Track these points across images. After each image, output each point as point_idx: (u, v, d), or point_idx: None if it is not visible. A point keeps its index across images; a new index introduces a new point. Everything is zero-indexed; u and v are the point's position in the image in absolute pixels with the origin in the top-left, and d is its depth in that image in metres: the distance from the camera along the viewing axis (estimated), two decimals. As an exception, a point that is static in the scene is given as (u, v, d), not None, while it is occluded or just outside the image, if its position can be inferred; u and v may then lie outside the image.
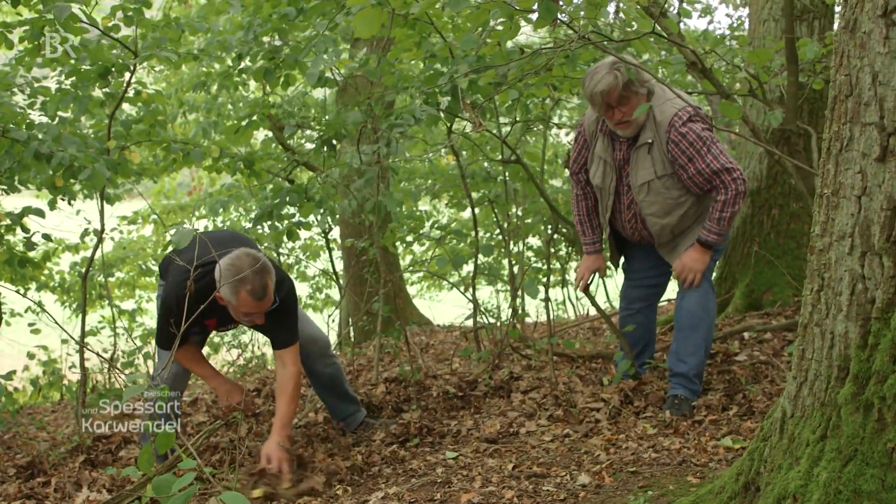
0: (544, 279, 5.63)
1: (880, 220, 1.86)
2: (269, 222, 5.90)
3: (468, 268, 7.29)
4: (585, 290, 4.45)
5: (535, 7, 3.27)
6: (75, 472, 4.10)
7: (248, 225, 7.86)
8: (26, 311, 8.15)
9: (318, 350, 4.28)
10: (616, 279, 9.43)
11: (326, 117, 5.73)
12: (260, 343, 8.78)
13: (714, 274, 6.03)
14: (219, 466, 3.91)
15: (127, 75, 5.11)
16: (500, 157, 5.68)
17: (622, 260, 4.43)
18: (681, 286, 4.06)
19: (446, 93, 4.60)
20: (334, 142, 5.96)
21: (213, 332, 4.58)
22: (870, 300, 1.89)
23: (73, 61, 5.06)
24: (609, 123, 3.91)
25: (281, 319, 3.84)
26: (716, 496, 2.36)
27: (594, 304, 4.79)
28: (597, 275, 4.40)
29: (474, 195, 6.36)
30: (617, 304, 9.03)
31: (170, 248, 3.97)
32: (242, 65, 5.93)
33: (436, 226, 6.74)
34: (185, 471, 2.66)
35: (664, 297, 4.56)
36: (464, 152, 7.07)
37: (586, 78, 3.84)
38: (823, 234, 2.03)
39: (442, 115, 4.82)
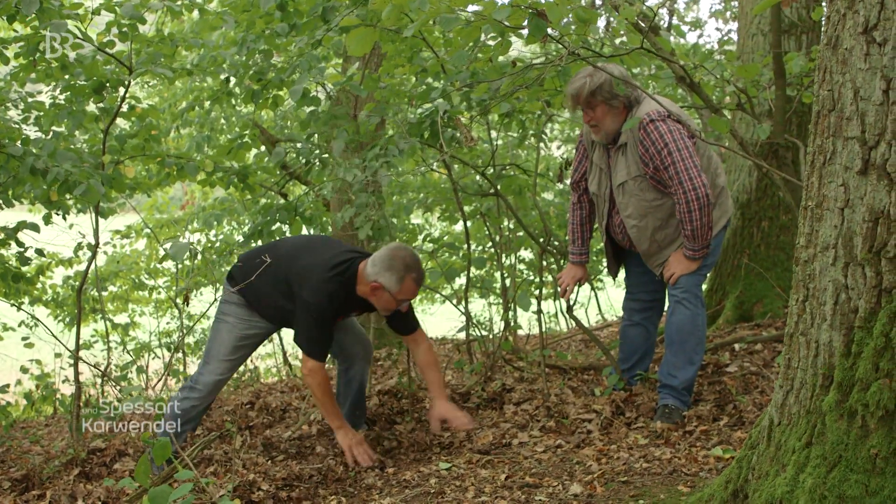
0: (536, 291, 5.66)
1: (863, 232, 1.90)
2: (259, 241, 5.94)
3: (461, 280, 7.33)
4: (568, 300, 4.53)
5: (526, 24, 3.32)
6: (70, 486, 4.10)
7: (241, 239, 7.89)
8: (20, 326, 8.15)
9: (365, 354, 4.43)
10: (608, 292, 9.52)
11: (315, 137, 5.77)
12: (253, 357, 8.79)
13: (704, 286, 6.08)
14: (213, 478, 3.92)
15: (121, 90, 5.15)
16: (491, 169, 5.72)
17: (622, 273, 4.48)
18: (669, 290, 4.10)
19: (426, 127, 4.70)
20: (324, 156, 6.01)
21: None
22: (853, 309, 1.93)
23: (67, 77, 5.10)
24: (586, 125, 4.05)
25: (411, 307, 4.20)
26: (705, 504, 2.40)
27: (579, 324, 4.84)
28: (579, 286, 4.47)
29: (466, 208, 6.41)
30: (608, 316, 9.13)
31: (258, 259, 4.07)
32: (231, 85, 5.99)
33: (428, 239, 6.78)
34: (182, 481, 2.69)
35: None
36: (455, 166, 7.12)
37: (571, 79, 4.02)
38: (808, 245, 2.07)
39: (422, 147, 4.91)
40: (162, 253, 9.66)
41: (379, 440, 4.30)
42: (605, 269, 4.52)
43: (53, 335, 3.78)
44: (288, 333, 5.02)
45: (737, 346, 4.98)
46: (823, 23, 2.09)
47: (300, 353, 4.06)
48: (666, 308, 4.32)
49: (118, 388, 4.58)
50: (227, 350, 4.17)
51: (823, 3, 5.65)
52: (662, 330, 4.88)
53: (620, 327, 4.50)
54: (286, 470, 3.89)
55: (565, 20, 3.62)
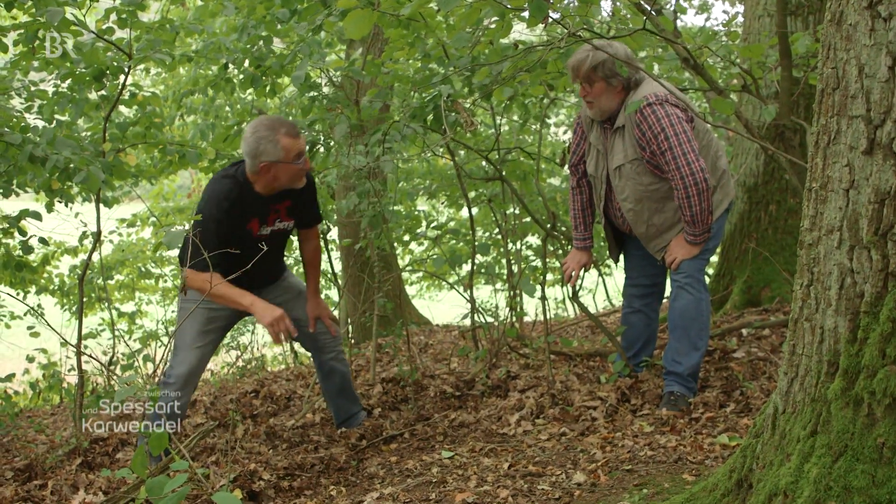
0: (541, 277, 5.61)
1: (868, 214, 1.84)
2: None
3: (466, 267, 7.27)
4: (573, 286, 4.49)
5: (527, 5, 3.26)
6: (72, 475, 4.09)
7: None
8: (25, 315, 8.15)
9: (333, 342, 4.30)
10: (615, 277, 9.46)
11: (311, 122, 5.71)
12: (259, 345, 8.78)
13: (711, 271, 6.02)
14: (215, 468, 3.90)
15: (122, 77, 5.11)
16: (496, 156, 5.66)
17: (622, 259, 4.42)
18: (671, 276, 4.05)
19: (429, 112, 4.64)
20: (327, 144, 5.95)
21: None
22: (859, 294, 1.87)
23: (69, 64, 5.06)
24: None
25: (310, 194, 4.08)
26: (709, 493, 2.35)
27: (584, 310, 4.79)
28: (584, 271, 4.42)
29: (472, 194, 6.35)
30: (615, 302, 9.06)
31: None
32: (230, 73, 5.94)
33: (433, 225, 6.74)
34: (178, 472, 2.66)
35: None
36: (461, 152, 7.06)
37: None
38: (812, 228, 2.01)
39: (425, 132, 4.85)
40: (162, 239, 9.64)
41: (381, 428, 4.27)
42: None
43: (53, 329, 3.73)
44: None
45: (744, 331, 4.93)
46: (829, -1, 2.03)
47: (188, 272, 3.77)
48: (668, 294, 4.27)
49: (120, 378, 4.55)
50: (192, 337, 3.98)
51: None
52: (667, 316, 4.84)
53: (622, 315, 4.46)
54: (288, 459, 3.87)
55: (567, 1, 3.56)
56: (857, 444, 1.82)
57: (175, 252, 7.80)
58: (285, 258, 4.57)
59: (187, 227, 3.39)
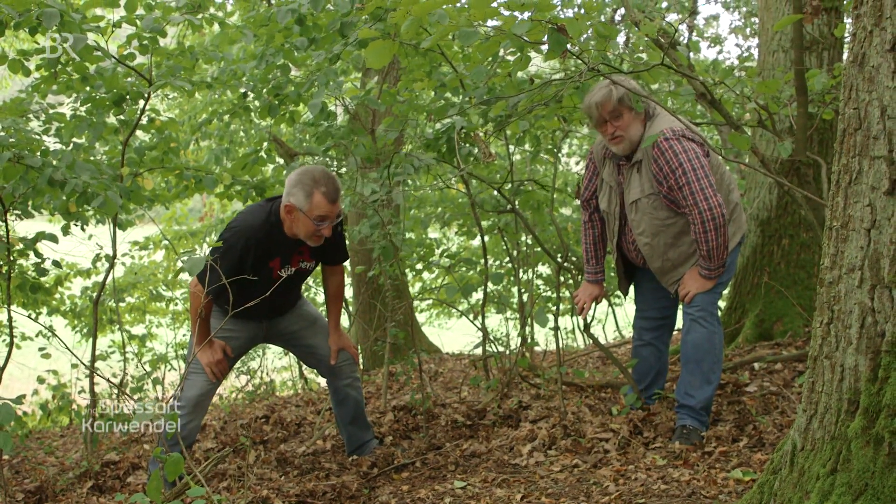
0: (554, 308, 5.62)
1: (890, 254, 1.86)
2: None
3: (478, 296, 7.27)
4: (585, 318, 4.49)
5: (545, 39, 3.30)
6: (83, 499, 4.09)
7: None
8: (37, 336, 8.18)
9: (349, 369, 4.29)
10: (625, 308, 9.45)
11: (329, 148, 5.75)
12: (269, 369, 8.79)
13: (723, 304, 6.02)
14: (227, 494, 3.90)
15: (141, 103, 5.16)
16: (508, 185, 5.69)
17: (632, 291, 4.43)
18: (684, 309, 4.06)
19: (443, 143, 4.68)
20: (342, 170, 5.99)
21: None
22: (879, 333, 1.88)
23: (88, 88, 5.12)
24: (605, 140, 3.98)
25: (339, 236, 4.04)
26: (725, 529, 2.35)
27: (596, 342, 4.79)
28: (596, 304, 4.42)
29: (484, 223, 6.38)
30: (625, 332, 9.05)
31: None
32: (248, 101, 6.00)
33: (445, 254, 6.76)
34: (194, 498, 2.67)
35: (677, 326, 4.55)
36: (473, 182, 7.09)
37: (587, 94, 3.97)
38: (833, 266, 2.03)
39: (438, 163, 4.89)
40: (179, 265, 9.69)
41: (393, 457, 4.26)
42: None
43: (68, 348, 3.75)
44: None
45: (756, 365, 4.92)
46: (849, 40, 2.05)
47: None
48: (680, 326, 4.27)
49: (133, 400, 4.56)
50: None
51: (846, 20, 5.61)
52: (678, 349, 4.83)
53: (632, 347, 4.47)
54: (300, 486, 3.86)
55: (585, 36, 3.59)
56: (877, 482, 1.83)
57: (187, 276, 7.82)
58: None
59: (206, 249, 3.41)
